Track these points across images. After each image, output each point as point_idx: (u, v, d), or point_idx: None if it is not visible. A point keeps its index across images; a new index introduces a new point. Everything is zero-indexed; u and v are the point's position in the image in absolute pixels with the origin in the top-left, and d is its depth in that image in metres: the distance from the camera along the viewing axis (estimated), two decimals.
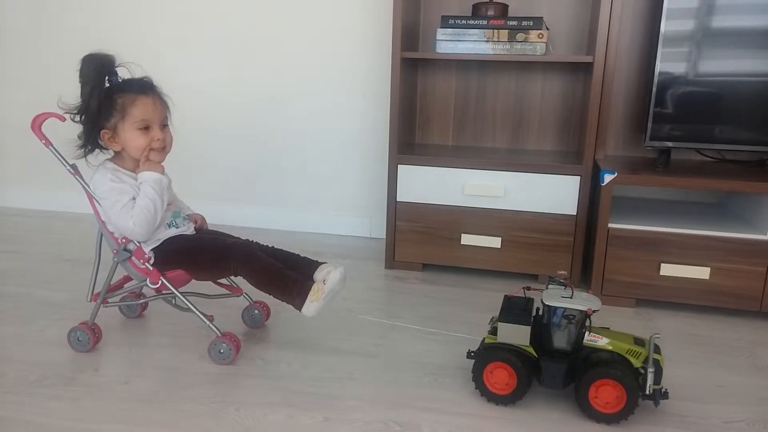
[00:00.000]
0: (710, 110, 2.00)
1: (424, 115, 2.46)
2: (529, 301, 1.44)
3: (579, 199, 2.05)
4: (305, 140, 2.61)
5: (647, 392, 1.29)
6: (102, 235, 1.58)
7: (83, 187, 1.53)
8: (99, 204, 1.51)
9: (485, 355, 1.38)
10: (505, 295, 1.47)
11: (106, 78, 1.46)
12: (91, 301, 1.60)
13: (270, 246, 1.60)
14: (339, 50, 2.52)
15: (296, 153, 2.63)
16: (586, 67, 2.12)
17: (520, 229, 2.11)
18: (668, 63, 1.97)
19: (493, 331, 1.42)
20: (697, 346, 1.71)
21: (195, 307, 1.56)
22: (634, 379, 1.29)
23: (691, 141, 2.05)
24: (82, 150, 1.51)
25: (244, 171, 2.66)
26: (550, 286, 1.41)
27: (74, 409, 1.34)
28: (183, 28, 2.61)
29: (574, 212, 2.06)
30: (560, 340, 1.36)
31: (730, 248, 1.84)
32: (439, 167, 2.14)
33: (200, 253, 1.54)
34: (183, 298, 1.55)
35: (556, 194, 2.06)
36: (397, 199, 2.19)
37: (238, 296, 1.73)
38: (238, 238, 1.60)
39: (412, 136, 2.44)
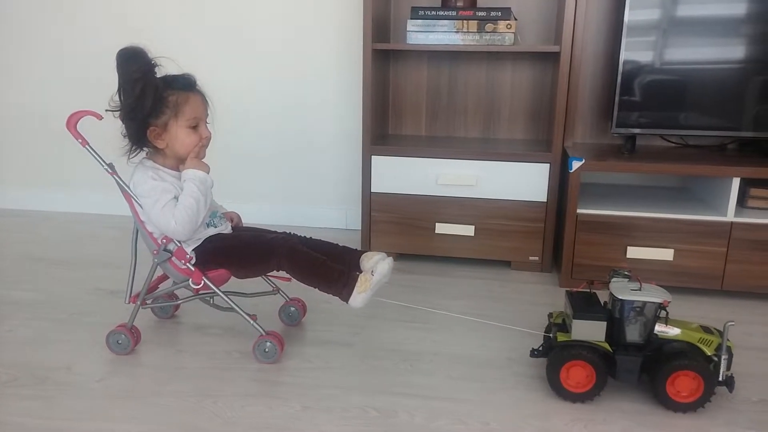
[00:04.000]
0: (674, 97, 2.06)
1: (396, 106, 2.47)
2: (593, 296, 1.42)
3: (549, 186, 2.09)
4: (278, 133, 2.61)
5: (721, 379, 1.32)
6: (137, 236, 1.56)
7: (122, 186, 1.49)
8: (138, 203, 1.48)
9: (561, 354, 1.36)
10: (567, 291, 1.45)
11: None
12: (129, 302, 1.58)
13: (308, 237, 1.59)
14: (311, 42, 2.52)
15: (270, 146, 2.63)
16: (554, 57, 2.16)
17: (493, 216, 2.15)
18: (632, 52, 2.02)
19: (554, 329, 1.42)
20: None
21: (238, 307, 1.54)
22: (710, 367, 1.31)
23: (656, 127, 2.11)
24: (131, 149, 1.48)
25: (219, 166, 2.65)
26: (614, 280, 1.41)
27: (50, 408, 1.34)
28: (156, 19, 2.59)
29: (544, 199, 2.10)
30: (633, 333, 1.36)
31: (692, 230, 1.90)
32: (412, 157, 2.16)
33: (243, 251, 1.53)
34: (226, 298, 1.54)
35: (526, 182, 2.10)
36: (372, 190, 2.21)
37: (275, 293, 1.72)
38: (276, 232, 1.59)
39: (385, 127, 2.46)
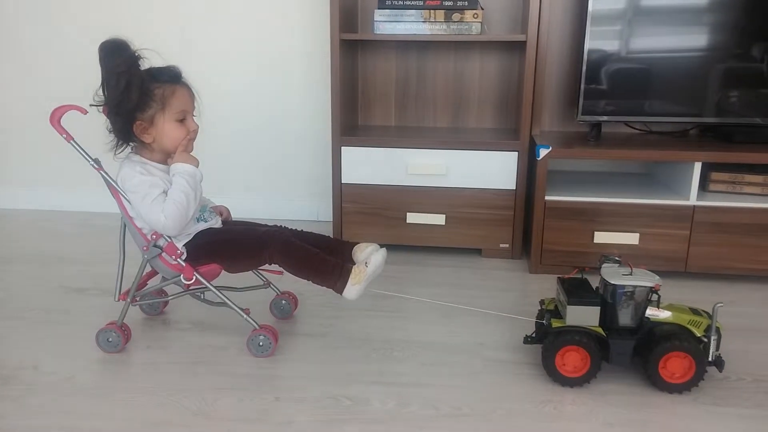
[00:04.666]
0: (638, 85, 2.09)
1: (365, 96, 2.47)
2: (585, 282, 1.44)
3: (517, 174, 2.11)
4: (247, 126, 2.59)
5: (710, 359, 1.34)
6: (125, 232, 1.53)
7: (108, 182, 1.46)
8: (126, 199, 1.46)
9: (557, 339, 1.37)
10: (558, 277, 1.47)
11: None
12: (119, 300, 1.55)
13: (299, 230, 1.58)
14: (277, 33, 2.50)
15: (239, 140, 2.61)
16: (521, 46, 2.18)
17: (463, 205, 2.17)
18: (597, 41, 2.05)
19: (548, 315, 1.43)
20: None
21: (231, 301, 1.52)
22: (701, 348, 1.33)
23: (621, 115, 2.14)
24: (118, 144, 1.45)
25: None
26: (604, 265, 1.43)
27: (17, 407, 1.31)
28: (116, 11, 2.54)
29: (513, 187, 2.13)
30: (625, 317, 1.38)
31: (657, 214, 1.95)
32: (382, 148, 2.16)
33: (235, 245, 1.51)
34: (218, 293, 1.52)
35: (496, 170, 2.12)
36: (342, 181, 2.21)
37: (266, 287, 1.71)
38: (267, 225, 1.58)
39: (354, 118, 2.46)
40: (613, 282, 1.36)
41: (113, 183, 1.46)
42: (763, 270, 1.94)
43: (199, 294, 1.62)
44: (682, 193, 1.98)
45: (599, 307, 1.37)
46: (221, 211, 1.65)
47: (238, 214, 1.72)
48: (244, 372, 1.46)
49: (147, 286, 1.61)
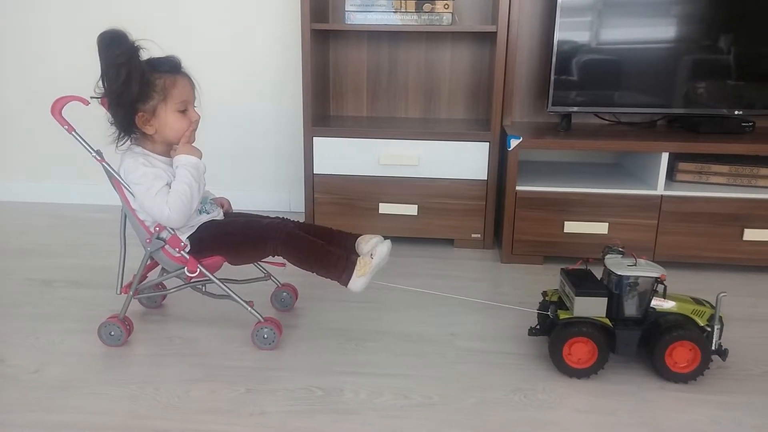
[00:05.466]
0: (607, 76, 2.12)
1: (337, 87, 2.46)
2: (589, 273, 1.44)
3: (489, 165, 2.13)
4: (219, 117, 2.55)
5: (714, 348, 1.36)
6: (125, 224, 1.50)
7: (111, 173, 1.43)
8: (129, 191, 1.43)
9: (564, 331, 1.37)
10: (562, 269, 1.47)
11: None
12: (121, 293, 1.52)
13: (302, 222, 1.56)
14: (248, 23, 2.46)
15: (210, 131, 2.56)
16: (491, 37, 2.19)
17: (435, 195, 2.17)
18: (566, 32, 2.07)
19: (553, 307, 1.43)
20: None
21: (235, 294, 1.51)
22: (705, 338, 1.35)
23: (590, 105, 2.17)
24: (120, 136, 1.42)
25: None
26: (608, 256, 1.43)
27: None
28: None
29: (485, 177, 2.14)
30: (631, 307, 1.39)
31: (625, 204, 1.98)
32: (354, 138, 2.16)
33: (239, 237, 1.49)
34: (222, 285, 1.50)
35: (467, 161, 2.13)
36: (314, 172, 2.20)
37: (266, 279, 1.70)
38: (269, 217, 1.56)
39: (326, 109, 2.44)
40: (619, 273, 1.37)
41: (116, 174, 1.43)
42: (728, 258, 1.99)
43: (200, 286, 1.61)
44: (650, 183, 2.01)
45: (606, 298, 1.37)
46: (222, 203, 1.63)
47: None
48: (217, 363, 1.45)
49: (147, 279, 1.58)
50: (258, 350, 1.50)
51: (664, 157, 1.93)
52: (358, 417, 1.26)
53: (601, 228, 1.99)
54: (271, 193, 2.64)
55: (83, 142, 1.42)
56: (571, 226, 2.00)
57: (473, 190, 2.15)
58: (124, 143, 1.45)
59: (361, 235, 1.54)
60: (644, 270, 1.37)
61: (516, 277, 1.99)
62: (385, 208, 2.19)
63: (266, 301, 1.73)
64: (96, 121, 1.41)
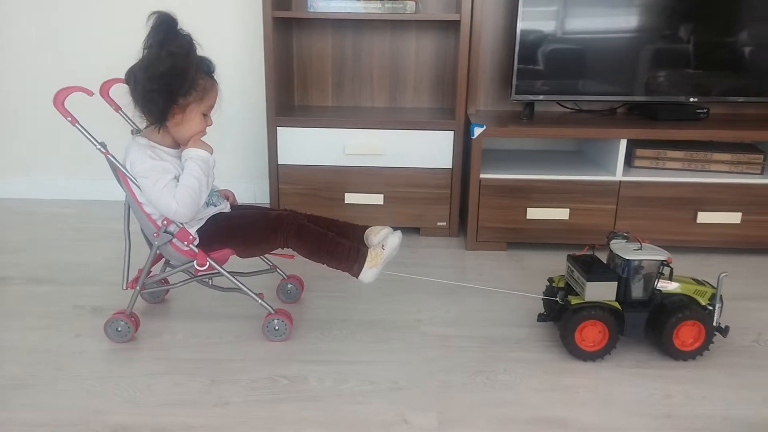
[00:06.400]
0: (569, 65, 2.15)
1: (301, 76, 2.44)
2: (596, 259, 1.47)
3: (454, 153, 2.14)
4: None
5: (715, 326, 1.41)
6: (129, 218, 1.47)
7: (117, 166, 1.40)
8: (136, 184, 1.39)
9: (576, 315, 1.39)
10: (569, 255, 1.50)
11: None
12: (127, 288, 1.49)
13: (310, 214, 1.55)
14: (208, 11, 2.43)
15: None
16: (455, 26, 2.20)
17: (401, 184, 2.18)
18: (529, 22, 2.09)
19: (561, 293, 1.47)
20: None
21: (245, 286, 1.49)
22: (708, 316, 1.40)
23: (553, 94, 2.20)
24: (154, 127, 1.40)
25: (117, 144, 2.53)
26: (613, 241, 1.46)
27: None
28: None
29: (450, 165, 2.16)
30: (638, 290, 1.42)
31: (585, 190, 2.02)
32: (318, 128, 2.15)
33: (248, 230, 1.48)
34: (233, 279, 1.49)
35: (432, 149, 2.15)
36: (279, 163, 2.19)
37: (272, 271, 1.70)
38: (276, 209, 1.54)
39: (290, 98, 2.43)
40: (627, 257, 1.40)
41: (121, 167, 1.40)
42: (682, 240, 2.04)
43: (206, 280, 1.59)
44: (609, 169, 2.05)
45: (616, 283, 1.41)
46: (227, 195, 1.62)
47: None
48: (181, 356, 1.44)
49: (152, 274, 1.56)
50: (224, 342, 1.50)
51: (623, 144, 1.98)
52: (322, 404, 1.26)
53: (562, 214, 2.03)
54: (235, 184, 2.58)
55: (87, 134, 1.39)
56: (533, 213, 2.04)
57: (438, 178, 2.17)
58: (139, 131, 1.44)
59: (370, 226, 1.54)
60: (651, 254, 1.42)
61: (480, 263, 2.01)
62: (350, 198, 2.20)
63: (272, 293, 1.72)
64: (95, 112, 1.36)
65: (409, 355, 1.45)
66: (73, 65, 2.46)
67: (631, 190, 2.01)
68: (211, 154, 1.45)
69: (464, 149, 2.15)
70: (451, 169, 2.16)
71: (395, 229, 1.52)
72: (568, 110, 2.35)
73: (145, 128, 1.44)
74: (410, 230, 2.25)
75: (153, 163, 1.38)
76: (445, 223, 2.21)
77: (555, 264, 1.98)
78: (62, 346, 1.47)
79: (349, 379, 1.35)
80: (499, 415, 1.23)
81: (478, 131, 2.01)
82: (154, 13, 1.32)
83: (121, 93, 1.40)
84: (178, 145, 1.45)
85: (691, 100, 2.15)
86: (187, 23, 2.41)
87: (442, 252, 2.11)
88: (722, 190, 2.00)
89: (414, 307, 1.69)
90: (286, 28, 2.30)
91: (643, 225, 2.03)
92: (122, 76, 1.38)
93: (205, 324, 1.58)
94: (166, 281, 1.63)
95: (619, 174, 2.00)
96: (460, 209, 2.23)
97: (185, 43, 1.34)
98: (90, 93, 1.37)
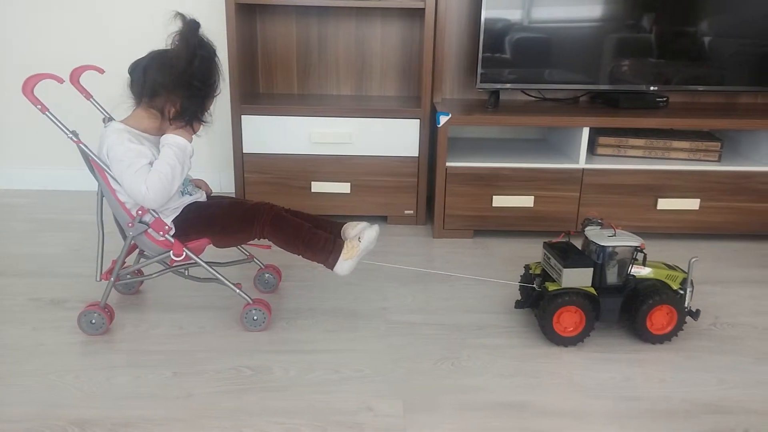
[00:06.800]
0: (533, 54, 2.17)
1: (266, 64, 2.41)
2: (571, 246, 1.48)
3: (420, 142, 2.14)
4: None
5: (687, 309, 1.44)
6: (102, 207, 1.43)
7: (88, 154, 1.37)
8: (109, 170, 1.36)
9: (554, 301, 1.41)
10: (545, 242, 1.51)
11: None
12: (101, 280, 1.45)
13: (287, 208, 1.53)
14: None
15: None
16: (421, 14, 2.19)
17: (368, 173, 2.18)
18: (493, 10, 2.10)
19: (538, 279, 1.48)
20: None
21: (222, 276, 1.47)
22: (680, 300, 1.43)
23: (518, 83, 2.21)
24: (182, 120, 1.40)
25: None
26: (588, 228, 1.48)
27: None
28: None
29: (416, 154, 2.16)
30: (612, 276, 1.45)
31: (550, 177, 2.04)
32: (284, 116, 2.13)
33: (225, 219, 1.45)
34: (210, 269, 1.46)
35: (399, 138, 2.14)
36: (244, 151, 2.16)
37: (249, 261, 1.68)
38: (252, 200, 1.52)
39: (255, 86, 2.39)
40: (602, 244, 1.42)
41: (93, 155, 1.37)
42: (643, 227, 2.09)
43: (182, 270, 1.56)
44: (572, 157, 2.08)
45: (592, 269, 1.43)
46: (200, 185, 1.59)
47: None
48: (141, 349, 1.41)
49: (127, 265, 1.52)
50: (187, 334, 1.48)
51: (585, 132, 2.00)
52: (287, 393, 1.26)
53: (527, 201, 2.05)
54: (199, 173, 2.52)
55: (58, 123, 1.36)
56: (499, 200, 2.05)
57: (405, 167, 2.17)
58: (112, 119, 1.43)
59: (349, 222, 1.54)
60: (625, 240, 1.44)
61: (447, 251, 2.02)
62: (317, 186, 2.18)
63: (249, 283, 1.70)
64: (65, 100, 1.33)
65: (374, 343, 1.46)
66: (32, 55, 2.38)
67: (594, 177, 2.04)
68: (191, 142, 1.42)
69: (430, 137, 2.15)
70: (418, 157, 2.16)
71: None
72: (533, 99, 2.37)
73: (131, 114, 1.42)
74: (378, 219, 2.25)
75: (129, 145, 1.35)
76: (412, 212, 2.22)
77: (520, 251, 2.01)
78: (19, 341, 1.43)
79: (314, 368, 1.35)
80: (463, 401, 1.24)
81: (443, 119, 2.01)
82: (179, 14, 1.36)
83: (92, 81, 1.38)
84: (160, 133, 1.42)
85: (651, 88, 2.19)
86: (147, 8, 2.37)
87: (409, 240, 2.11)
88: (681, 177, 2.05)
89: (380, 296, 1.69)
90: (250, 14, 2.26)
91: (606, 212, 2.06)
92: (89, 64, 1.41)
93: (167, 315, 1.55)
94: (140, 272, 1.60)
95: (582, 162, 2.03)
96: (427, 197, 2.23)
97: (212, 49, 1.40)
98: (60, 80, 1.34)
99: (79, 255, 1.90)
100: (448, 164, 2.04)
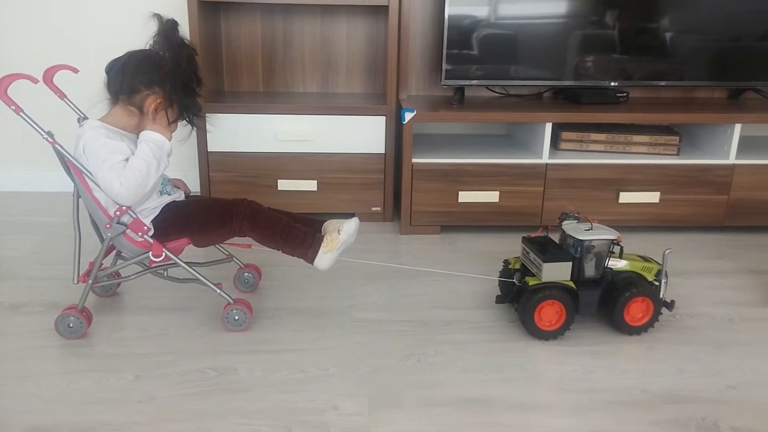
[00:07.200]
0: (497, 51, 2.18)
1: (231, 62, 2.38)
2: (549, 240, 1.50)
3: (386, 138, 2.15)
4: (101, 95, 2.41)
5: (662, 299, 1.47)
6: (78, 209, 1.40)
7: (64, 154, 1.34)
8: (84, 168, 1.33)
9: (535, 296, 1.42)
10: (524, 237, 1.52)
11: None
12: (78, 282, 1.42)
13: (267, 206, 1.51)
14: None
15: (96, 112, 2.42)
16: (385, 11, 2.19)
17: (334, 170, 2.17)
18: (457, 7, 2.11)
19: (518, 274, 1.50)
20: (492, 261, 1.90)
21: (203, 277, 1.45)
22: (655, 292, 1.45)
23: (482, 79, 2.23)
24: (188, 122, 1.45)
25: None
26: (565, 222, 1.48)
27: None
28: None
29: (383, 151, 2.16)
30: (590, 269, 1.47)
31: (514, 173, 2.06)
32: (249, 114, 2.11)
33: (204, 217, 1.44)
34: (189, 269, 1.45)
35: (365, 135, 2.14)
36: (209, 150, 2.13)
37: (228, 261, 1.67)
38: (230, 198, 1.51)
39: (220, 84, 2.37)
40: (579, 237, 1.44)
41: (67, 155, 1.34)
42: (606, 220, 2.06)
43: (161, 271, 1.54)
44: (536, 152, 2.11)
45: (571, 263, 1.44)
46: (179, 184, 1.57)
47: None
48: (104, 352, 1.39)
49: (104, 267, 1.50)
50: (150, 336, 1.46)
51: (548, 127, 2.03)
52: (252, 394, 1.25)
53: (492, 197, 2.07)
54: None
55: (32, 123, 1.33)
56: (465, 196, 2.07)
57: (372, 163, 2.17)
58: (86, 119, 1.43)
59: (329, 219, 1.54)
60: (601, 233, 1.46)
61: (415, 247, 2.03)
62: (284, 184, 2.17)
63: (229, 283, 1.68)
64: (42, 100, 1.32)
65: (340, 341, 1.46)
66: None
67: (557, 172, 2.07)
68: (169, 140, 1.40)
69: (396, 134, 2.15)
70: (384, 154, 2.16)
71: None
72: (497, 95, 2.39)
73: (108, 113, 1.41)
74: (345, 216, 2.23)
75: (106, 141, 1.34)
76: (379, 208, 2.22)
77: (487, 246, 2.03)
78: None
79: (279, 368, 1.34)
80: (428, 397, 1.25)
81: (408, 116, 2.01)
82: (156, 15, 1.37)
83: (65, 80, 1.38)
84: (139, 130, 1.41)
85: (612, 84, 2.23)
86: (107, 8, 2.32)
87: (376, 237, 2.12)
88: (642, 171, 2.09)
89: (348, 294, 1.69)
90: (213, 12, 2.23)
91: (571, 206, 2.09)
92: (62, 64, 1.43)
93: (129, 318, 1.53)
94: (117, 274, 1.57)
95: (545, 157, 2.05)
96: (394, 194, 2.24)
97: (194, 49, 1.43)
98: (35, 80, 1.32)
99: (38, 258, 1.86)
100: (414, 161, 2.05)
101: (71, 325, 1.43)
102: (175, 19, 1.38)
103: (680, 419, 1.20)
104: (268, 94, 2.35)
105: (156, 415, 1.18)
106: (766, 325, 1.56)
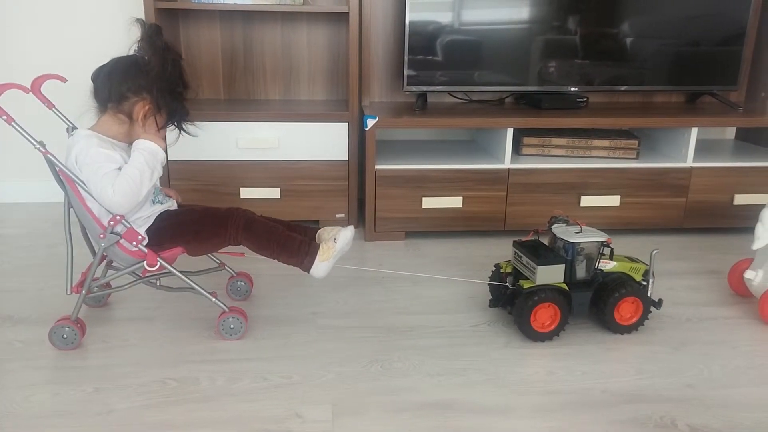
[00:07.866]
0: (458, 57, 2.21)
1: (191, 69, 2.35)
2: (540, 243, 1.51)
3: (349, 145, 2.15)
4: (60, 106, 2.36)
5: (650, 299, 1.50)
6: (70, 219, 1.37)
7: (56, 164, 1.33)
8: (78, 179, 1.32)
9: (530, 299, 1.43)
10: (515, 241, 1.53)
11: None
12: (71, 293, 1.38)
13: (260, 215, 1.49)
14: (86, 3, 2.29)
15: (54, 121, 2.37)
16: (346, 18, 2.19)
17: (298, 177, 2.16)
18: (417, 13, 2.13)
19: (511, 278, 1.51)
20: (458, 266, 1.93)
21: (198, 285, 1.44)
22: (644, 291, 1.48)
23: (444, 85, 2.25)
24: (176, 127, 1.44)
25: (5, 142, 2.34)
26: (555, 226, 1.50)
27: None
28: None
29: (345, 157, 2.16)
30: (582, 271, 1.49)
31: (478, 178, 2.08)
32: (210, 122, 2.08)
33: (198, 226, 1.43)
34: (184, 277, 1.43)
35: (328, 142, 2.14)
36: (169, 158, 2.10)
37: (220, 269, 1.66)
38: (222, 207, 1.48)
39: None
40: (571, 240, 1.46)
41: (60, 164, 1.32)
42: None
43: (154, 281, 1.51)
44: (498, 157, 2.13)
45: (564, 265, 1.46)
46: (171, 194, 1.55)
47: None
48: (61, 365, 1.35)
49: (95, 277, 1.47)
50: (110, 347, 1.43)
51: (509, 133, 2.06)
52: (214, 404, 1.23)
53: (456, 202, 2.09)
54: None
55: (24, 134, 1.31)
56: (428, 202, 2.08)
57: (335, 170, 2.17)
58: (75, 128, 1.43)
59: (324, 227, 1.54)
60: (591, 236, 1.49)
61: (380, 253, 2.04)
62: (246, 192, 2.15)
63: (221, 291, 1.67)
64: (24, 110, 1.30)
65: (304, 349, 1.45)
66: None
67: (520, 177, 2.10)
68: (163, 148, 1.40)
69: (359, 141, 2.16)
70: (347, 160, 2.16)
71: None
72: (460, 101, 2.42)
73: (98, 122, 1.40)
74: (309, 224, 2.22)
75: (99, 149, 1.32)
76: (343, 215, 2.22)
77: (451, 251, 2.05)
78: None
79: (242, 377, 1.32)
80: (392, 403, 1.25)
81: (371, 123, 2.02)
82: (138, 20, 1.36)
83: (55, 91, 1.37)
84: (129, 137, 1.40)
85: (572, 89, 2.27)
86: (63, 18, 2.28)
87: None
88: (602, 175, 2.13)
89: (313, 301, 1.68)
90: (172, 19, 2.21)
91: (532, 210, 2.13)
92: (51, 73, 1.43)
93: (91, 329, 1.49)
94: (109, 285, 1.55)
95: (507, 162, 2.08)
96: (358, 200, 2.24)
97: (180, 53, 1.40)
98: (26, 90, 1.31)
99: (4, 270, 1.81)
100: (377, 167, 2.06)
101: (65, 336, 1.41)
102: (158, 24, 1.38)
103: (639, 418, 1.22)
104: (230, 102, 2.33)
105: (115, 427, 1.16)
106: (724, 325, 1.61)
